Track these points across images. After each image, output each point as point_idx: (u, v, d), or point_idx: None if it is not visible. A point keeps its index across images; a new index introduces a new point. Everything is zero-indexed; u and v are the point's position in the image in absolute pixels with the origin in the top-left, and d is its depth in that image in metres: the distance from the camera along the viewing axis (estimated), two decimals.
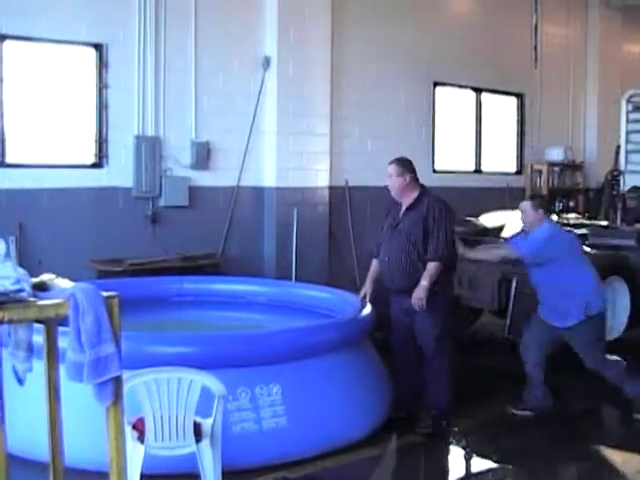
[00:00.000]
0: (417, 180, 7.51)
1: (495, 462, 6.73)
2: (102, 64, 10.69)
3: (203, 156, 11.49)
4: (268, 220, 12.15)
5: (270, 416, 6.26)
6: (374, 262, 7.81)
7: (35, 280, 3.67)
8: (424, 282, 7.11)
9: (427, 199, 7.41)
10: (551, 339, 7.93)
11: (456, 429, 7.40)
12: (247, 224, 12.07)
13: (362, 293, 7.81)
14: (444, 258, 7.21)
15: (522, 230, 8.21)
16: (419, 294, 7.10)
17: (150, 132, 11.06)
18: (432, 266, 7.16)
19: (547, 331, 7.89)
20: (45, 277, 3.80)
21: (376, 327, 7.80)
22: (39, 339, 3.85)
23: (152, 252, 10.86)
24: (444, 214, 7.32)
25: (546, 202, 8.16)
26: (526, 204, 8.00)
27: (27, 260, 9.32)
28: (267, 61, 11.99)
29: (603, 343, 8.07)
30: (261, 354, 6.53)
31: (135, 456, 4.97)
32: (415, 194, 7.43)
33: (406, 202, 7.46)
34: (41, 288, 3.65)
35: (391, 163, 7.52)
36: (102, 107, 10.72)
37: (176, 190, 11.27)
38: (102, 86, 10.70)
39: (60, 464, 3.99)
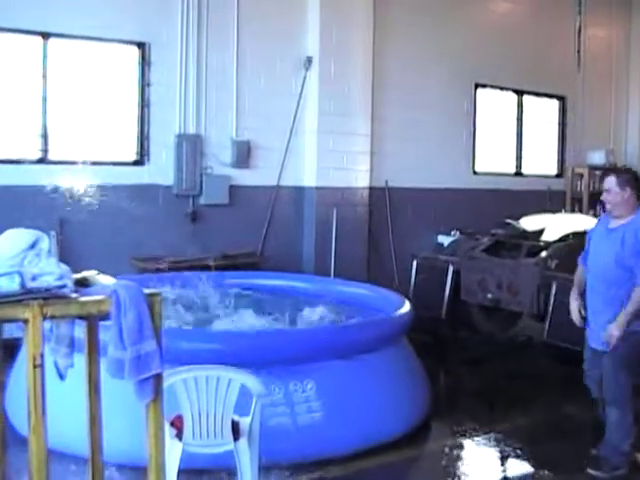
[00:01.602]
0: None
1: (532, 466, 6.68)
2: (145, 62, 10.79)
3: (244, 155, 11.52)
4: (308, 220, 12.15)
5: (304, 412, 6.27)
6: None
7: (77, 276, 3.69)
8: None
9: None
10: None
11: (493, 433, 7.35)
12: (287, 223, 12.08)
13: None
14: None
15: (606, 212, 6.62)
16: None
17: (191, 130, 11.11)
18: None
19: None
20: (87, 273, 3.82)
21: (417, 328, 7.80)
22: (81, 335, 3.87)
23: (192, 250, 10.91)
24: None
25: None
26: (610, 180, 6.39)
27: (67, 256, 9.38)
28: (309, 61, 12.00)
29: None
30: (298, 351, 6.55)
31: (173, 453, 4.98)
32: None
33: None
34: (83, 284, 3.67)
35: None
36: (144, 105, 10.81)
37: (216, 188, 11.31)
38: (144, 84, 10.80)
39: (99, 459, 4.00)
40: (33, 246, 3.48)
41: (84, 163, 10.39)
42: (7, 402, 5.85)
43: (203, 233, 11.22)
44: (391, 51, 13.13)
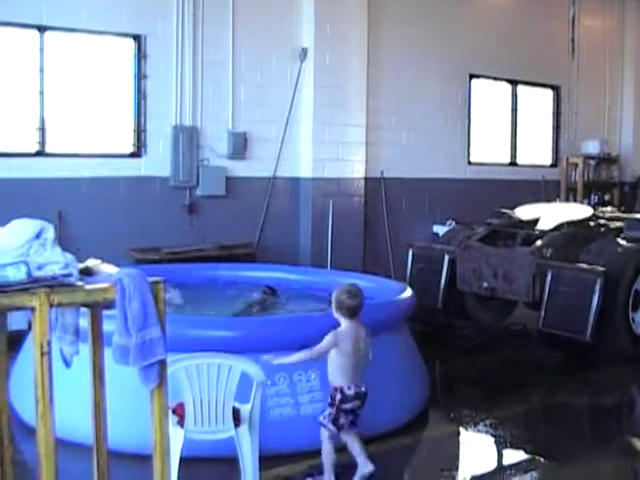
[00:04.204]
0: None
1: (528, 453, 6.74)
2: (141, 55, 10.82)
3: (240, 146, 11.57)
4: (304, 211, 12.21)
5: (308, 402, 6.32)
6: None
7: (81, 265, 3.73)
8: None
9: None
10: None
11: (490, 420, 7.41)
12: (283, 214, 12.13)
13: None
14: None
15: None
16: None
17: (188, 122, 11.15)
18: None
19: None
20: (91, 262, 3.87)
21: (413, 317, 7.86)
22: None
23: (189, 241, 10.98)
24: None
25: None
26: None
27: (66, 248, 9.39)
28: (304, 52, 12.04)
29: None
30: (300, 338, 6.57)
31: (175, 440, 5.04)
32: None
33: None
34: (87, 273, 3.72)
35: None
36: (140, 97, 10.85)
37: (213, 180, 11.36)
38: (141, 76, 10.83)
39: (103, 447, 4.04)
40: (38, 236, 3.54)
41: (81, 156, 10.45)
42: (12, 392, 5.95)
43: (200, 224, 11.28)
44: (386, 42, 13.16)
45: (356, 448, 5.78)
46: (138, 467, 4.98)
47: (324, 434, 5.69)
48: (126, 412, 5.44)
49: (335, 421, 5.66)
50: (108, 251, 9.43)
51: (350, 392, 5.64)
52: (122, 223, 10.63)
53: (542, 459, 6.59)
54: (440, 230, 12.92)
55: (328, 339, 5.65)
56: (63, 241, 9.65)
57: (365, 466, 5.75)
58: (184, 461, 5.11)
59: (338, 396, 5.65)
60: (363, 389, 5.72)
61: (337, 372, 5.68)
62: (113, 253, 9.67)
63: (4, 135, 10.05)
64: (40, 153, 10.19)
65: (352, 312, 5.75)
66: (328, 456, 5.71)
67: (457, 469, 6.52)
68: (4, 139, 10.04)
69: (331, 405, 5.69)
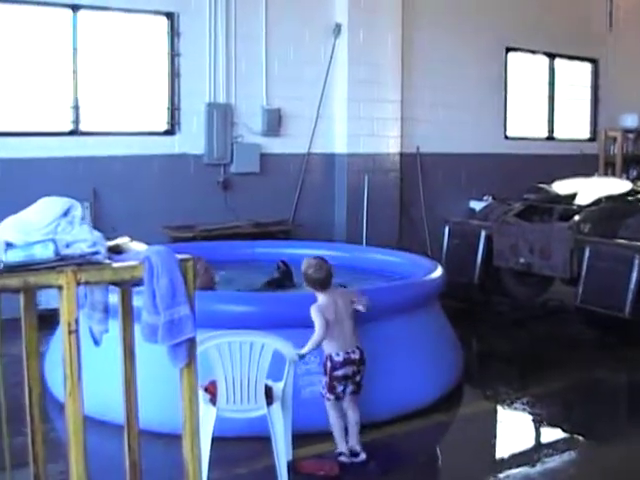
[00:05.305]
0: None
1: (566, 432, 6.67)
2: (174, 32, 10.79)
3: (274, 123, 11.53)
4: (339, 187, 12.16)
5: None
6: None
7: (110, 243, 3.72)
8: None
9: None
10: None
11: (526, 397, 7.35)
12: (318, 191, 12.10)
13: None
14: None
15: None
16: None
17: (221, 99, 11.13)
18: None
19: None
20: (120, 240, 3.86)
21: (449, 293, 7.80)
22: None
23: (223, 218, 10.98)
24: None
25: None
26: None
27: (101, 226, 9.41)
28: (338, 28, 11.95)
29: None
30: None
31: (207, 418, 5.03)
32: None
33: None
34: (116, 251, 3.71)
35: None
36: (174, 75, 10.84)
37: (247, 157, 11.34)
38: (174, 54, 10.81)
39: (134, 426, 4.04)
40: (66, 214, 3.51)
41: (115, 134, 10.47)
42: (48, 370, 5.99)
43: (234, 202, 11.26)
44: (421, 16, 13.03)
45: (352, 426, 5.84)
46: (170, 446, 4.99)
47: (327, 404, 5.74)
48: (157, 391, 5.43)
49: (332, 389, 5.69)
50: (143, 229, 9.48)
51: (339, 358, 5.65)
52: (156, 201, 10.64)
53: (581, 438, 6.52)
54: (477, 206, 12.83)
55: (316, 315, 5.63)
56: (98, 219, 9.76)
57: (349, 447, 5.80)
58: (216, 440, 5.10)
59: (328, 364, 5.68)
60: (355, 355, 5.72)
61: (325, 341, 5.68)
62: (148, 231, 9.70)
63: (38, 114, 10.07)
64: (74, 132, 10.22)
65: (322, 284, 5.79)
66: (335, 425, 5.76)
67: (493, 447, 6.48)
68: (39, 118, 10.07)
69: (324, 374, 5.72)
